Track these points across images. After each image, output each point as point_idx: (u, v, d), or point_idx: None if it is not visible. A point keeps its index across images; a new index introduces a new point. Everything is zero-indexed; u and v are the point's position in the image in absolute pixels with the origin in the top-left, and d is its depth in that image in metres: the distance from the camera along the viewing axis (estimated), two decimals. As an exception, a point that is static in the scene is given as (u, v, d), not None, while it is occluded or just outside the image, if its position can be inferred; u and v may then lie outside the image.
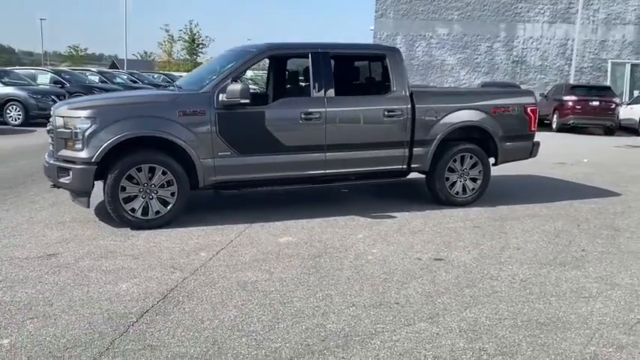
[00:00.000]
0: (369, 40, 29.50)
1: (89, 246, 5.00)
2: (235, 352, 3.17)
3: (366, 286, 4.18)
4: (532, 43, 28.15)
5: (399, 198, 7.18)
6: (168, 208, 5.61)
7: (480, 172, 6.86)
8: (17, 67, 23.66)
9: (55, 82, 18.22)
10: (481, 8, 28.24)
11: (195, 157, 5.59)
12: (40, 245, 4.99)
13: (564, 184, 8.69)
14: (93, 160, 5.31)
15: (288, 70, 7.24)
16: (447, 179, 6.74)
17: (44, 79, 18.65)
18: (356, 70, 7.29)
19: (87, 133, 5.32)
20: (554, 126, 19.13)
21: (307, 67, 6.12)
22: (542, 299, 4.01)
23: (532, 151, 7.22)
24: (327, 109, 6.02)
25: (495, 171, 8.75)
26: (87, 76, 21.75)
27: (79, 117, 5.37)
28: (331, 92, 6.09)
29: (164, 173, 5.54)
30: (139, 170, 5.46)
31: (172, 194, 5.61)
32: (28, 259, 4.61)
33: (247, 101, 5.58)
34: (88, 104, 5.58)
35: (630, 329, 3.56)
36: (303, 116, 5.94)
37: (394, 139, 6.39)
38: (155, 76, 29.18)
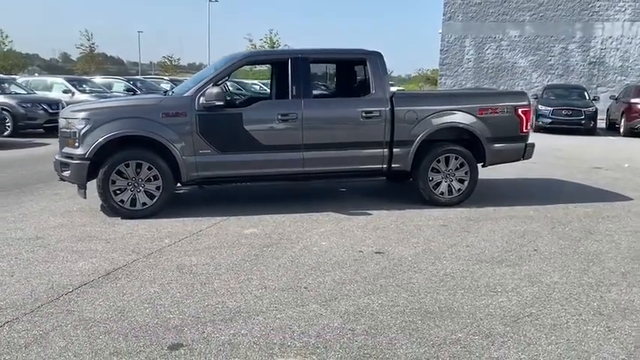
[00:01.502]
0: (437, 44, 29.23)
1: (76, 231, 5.70)
2: (133, 319, 3.63)
3: (289, 273, 4.51)
4: (611, 43, 26.66)
5: (391, 197, 7.37)
6: (154, 200, 6.21)
7: (466, 173, 6.91)
8: (108, 76, 25.80)
9: (128, 90, 19.78)
10: (555, 8, 27.17)
11: (178, 154, 6.16)
12: (37, 229, 5.75)
13: (578, 188, 8.43)
14: (86, 156, 6.02)
15: (276, 75, 7.66)
16: (431, 180, 6.85)
17: (119, 87, 20.30)
18: (336, 74, 7.58)
19: (82, 132, 6.04)
20: (621, 130, 18.10)
21: (287, 72, 6.51)
22: (449, 291, 4.15)
23: (525, 152, 7.14)
24: (304, 111, 6.38)
25: (514, 173, 8.75)
26: (159, 84, 23.38)
27: (77, 118, 6.12)
28: (308, 95, 6.44)
29: (150, 169, 6.15)
30: (127, 166, 6.11)
31: (158, 188, 6.21)
32: (19, 240, 5.36)
33: (221, 103, 6.08)
34: (85, 107, 6.33)
35: (514, 322, 3.64)
36: (279, 117, 6.34)
37: (373, 139, 6.62)
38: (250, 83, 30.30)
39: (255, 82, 33.61)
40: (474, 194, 7.06)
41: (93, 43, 54.03)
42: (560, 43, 27.33)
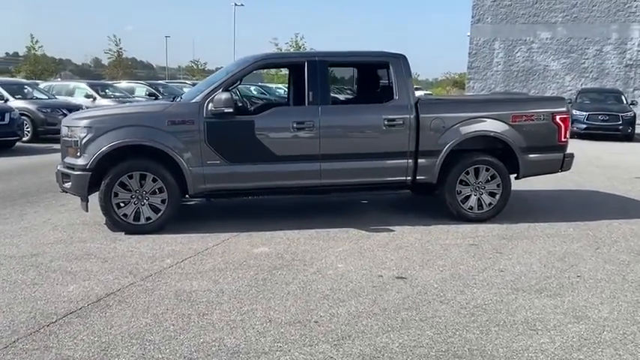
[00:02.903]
0: (465, 47, 28.47)
1: (74, 248, 5.30)
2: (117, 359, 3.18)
3: (299, 302, 4.01)
4: (649, 44, 25.56)
5: (416, 211, 6.82)
6: (159, 214, 5.79)
7: (498, 185, 6.32)
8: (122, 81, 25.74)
9: (150, 95, 19.58)
10: (589, 9, 26.18)
11: (184, 165, 5.73)
12: (34, 245, 5.37)
13: (621, 201, 7.75)
14: (88, 166, 5.63)
15: (292, 80, 7.18)
16: (459, 192, 6.29)
17: (141, 91, 20.13)
18: (357, 79, 7.07)
19: (83, 142, 5.66)
20: (662, 136, 17.15)
21: (304, 77, 6.03)
22: (481, 329, 3.59)
23: (563, 164, 6.52)
24: (322, 118, 5.89)
25: (550, 184, 8.12)
26: (182, 89, 23.15)
27: (79, 126, 5.73)
28: (327, 101, 5.96)
29: (154, 180, 5.74)
30: (131, 177, 5.70)
31: (163, 201, 5.79)
32: (11, 258, 4.97)
33: (230, 110, 5.63)
34: (88, 114, 5.95)
35: (559, 371, 3.08)
36: (294, 126, 5.86)
37: (396, 149, 6.09)
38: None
39: (280, 86, 33.20)
40: (506, 208, 6.46)
41: (120, 48, 54.44)
42: (594, 45, 26.32)
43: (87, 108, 15.47)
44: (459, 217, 6.30)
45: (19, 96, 15.36)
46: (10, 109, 13.12)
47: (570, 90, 26.12)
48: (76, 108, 15.28)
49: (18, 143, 13.58)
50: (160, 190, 5.77)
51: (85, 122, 5.74)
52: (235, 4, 54.91)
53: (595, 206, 7.39)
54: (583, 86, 24.92)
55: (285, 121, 5.91)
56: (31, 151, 12.96)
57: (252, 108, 7.12)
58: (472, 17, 28.70)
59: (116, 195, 5.71)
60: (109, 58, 56.42)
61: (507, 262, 4.95)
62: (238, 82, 6.14)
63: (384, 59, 6.27)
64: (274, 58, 6.34)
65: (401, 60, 6.21)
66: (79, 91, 17.71)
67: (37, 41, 49.35)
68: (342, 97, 7.78)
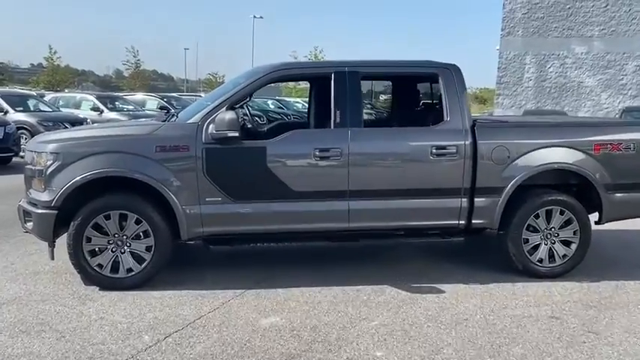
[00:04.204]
0: (494, 62, 27.06)
1: (27, 312, 4.04)
2: None
3: None
4: (694, 60, 23.95)
5: (468, 260, 5.44)
6: (143, 265, 4.53)
7: (575, 232, 4.96)
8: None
9: (162, 108, 18.53)
10: (628, 22, 24.65)
11: (176, 202, 4.47)
12: (-22, 306, 4.13)
13: None
14: (53, 203, 4.40)
15: (314, 95, 5.89)
16: (526, 241, 4.93)
17: (152, 104, 19.11)
18: (396, 95, 5.78)
19: (49, 171, 4.43)
20: None
21: (330, 92, 4.75)
22: None
23: (658, 204, 5.13)
24: (351, 145, 4.60)
25: (631, 221, 6.56)
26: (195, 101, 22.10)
27: (44, 152, 4.51)
28: (358, 123, 4.67)
29: (138, 222, 4.49)
30: (108, 218, 4.46)
31: (148, 249, 4.53)
32: (-60, 328, 3.74)
33: (235, 134, 4.37)
34: (56, 137, 4.72)
35: None
36: (317, 154, 4.58)
37: (446, 184, 4.77)
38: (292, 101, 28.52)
39: (299, 100, 31.99)
40: (583, 260, 5.08)
41: (138, 60, 53.90)
42: (634, 60, 24.73)
43: (91, 122, 14.47)
44: (525, 272, 4.95)
45: (20, 108, 14.35)
46: (6, 123, 12.07)
47: (607, 108, 24.56)
48: (79, 122, 14.26)
49: (15, 159, 12.50)
50: (145, 235, 4.52)
51: (52, 147, 4.51)
52: (254, 17, 54.16)
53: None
54: (621, 104, 23.35)
55: (304, 147, 4.63)
56: (27, 168, 11.84)
57: (265, 129, 5.87)
58: (502, 30, 27.31)
59: (89, 240, 4.46)
60: (127, 69, 55.99)
61: (610, 351, 3.57)
62: (247, 99, 4.88)
63: (431, 70, 4.96)
64: (293, 68, 5.03)
65: (453, 72, 4.90)
66: (86, 104, 16.70)
67: (55, 52, 48.96)
68: (376, 117, 6.44)
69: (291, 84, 51.53)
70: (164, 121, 5.01)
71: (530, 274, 4.94)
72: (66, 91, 33.77)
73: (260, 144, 4.64)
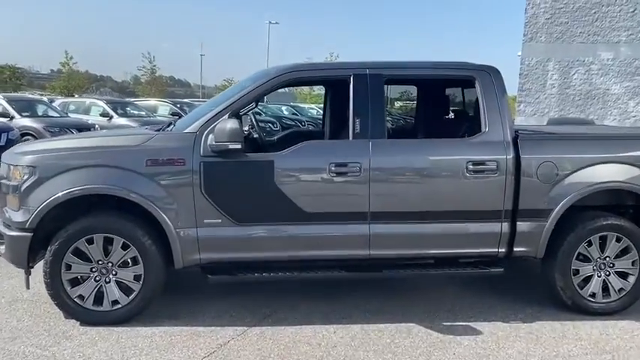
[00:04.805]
0: (516, 69, 26.28)
1: (-9, 354, 3.44)
2: None
3: None
4: None
5: (507, 295, 4.69)
6: (131, 297, 3.91)
7: (633, 263, 4.24)
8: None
9: (174, 114, 18.04)
10: (657, 27, 23.70)
11: (169, 224, 3.85)
12: (-64, 345, 3.54)
13: None
14: (28, 225, 3.81)
15: (330, 101, 5.24)
16: (576, 272, 4.23)
17: (164, 110, 18.65)
18: (425, 101, 5.11)
19: (24, 187, 3.84)
20: None
21: (348, 97, 4.10)
22: None
23: None
24: (373, 159, 3.95)
25: None
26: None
27: (19, 165, 3.93)
28: (380, 133, 4.01)
29: (125, 247, 3.88)
30: (90, 242, 3.85)
31: (137, 278, 3.92)
32: None
33: (238, 146, 3.74)
34: (33, 148, 4.11)
35: None
36: (332, 169, 3.93)
37: (484, 206, 4.09)
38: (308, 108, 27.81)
39: (313, 106, 31.34)
40: None
41: (154, 66, 53.85)
42: (663, 66, 23.77)
43: (99, 128, 13.98)
44: (574, 309, 4.24)
45: (27, 113, 13.92)
46: (9, 129, 11.60)
47: (635, 117, 23.58)
48: (87, 128, 13.80)
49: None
50: (134, 262, 3.91)
51: (28, 159, 3.92)
52: (270, 22, 53.79)
53: None
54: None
55: (318, 161, 3.98)
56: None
57: (274, 138, 5.24)
58: (524, 35, 26.46)
59: (69, 268, 3.86)
60: (142, 75, 56.03)
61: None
62: (253, 105, 4.24)
63: (466, 73, 4.28)
64: (306, 70, 4.35)
65: (492, 75, 4.22)
66: (95, 109, 16.25)
67: (71, 57, 48.96)
68: (398, 127, 5.74)
69: (305, 89, 50.60)
70: (158, 130, 4.39)
71: (581, 310, 4.23)
72: (75, 96, 33.52)
73: (267, 157, 4.00)
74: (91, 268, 3.90)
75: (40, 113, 14.56)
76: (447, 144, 4.20)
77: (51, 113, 14.86)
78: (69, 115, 15.58)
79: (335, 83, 4.87)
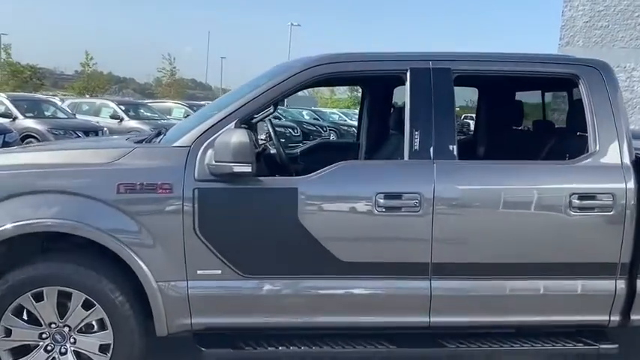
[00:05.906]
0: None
1: None
2: None
3: None
4: None
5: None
6: (95, 375, 2.80)
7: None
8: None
9: (187, 116, 17.11)
10: None
11: (147, 275, 2.73)
12: None
13: None
14: (-47, 272, 2.72)
15: (368, 104, 4.06)
16: None
17: (179, 113, 17.74)
18: (509, 108, 3.90)
19: (-47, 221, 2.75)
20: None
21: (401, 100, 2.95)
22: None
23: None
24: (438, 188, 2.79)
25: None
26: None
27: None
28: (449, 152, 2.85)
29: (88, 306, 2.76)
30: (39, 298, 2.75)
31: (104, 349, 2.81)
32: None
33: (247, 169, 2.61)
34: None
35: None
36: (380, 202, 2.77)
37: (591, 257, 2.92)
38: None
39: (335, 110, 30.13)
40: None
41: (174, 67, 53.37)
42: None
43: (108, 132, 13.04)
44: None
45: (32, 114, 13.05)
46: (7, 131, 10.69)
47: (680, 126, 22.03)
48: (94, 130, 12.90)
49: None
50: (101, 326, 2.80)
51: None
52: (292, 24, 52.86)
53: None
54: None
55: (360, 190, 2.83)
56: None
57: (297, 152, 4.10)
58: (560, 39, 25.04)
59: (8, 333, 2.76)
60: (162, 76, 55.72)
61: None
62: (270, 109, 3.05)
63: (568, 70, 3.08)
64: (344, 62, 3.10)
65: (602, 74, 3.04)
66: (105, 111, 15.34)
67: (91, 58, 48.67)
68: (462, 143, 4.53)
69: (326, 92, 49.09)
70: (140, 141, 3.26)
71: None
72: (87, 96, 32.88)
73: (287, 183, 2.85)
74: (41, 334, 2.79)
75: (46, 114, 13.70)
76: (541, 168, 3.01)
77: (59, 115, 13.98)
78: (76, 116, 14.66)
79: (380, 81, 3.73)
